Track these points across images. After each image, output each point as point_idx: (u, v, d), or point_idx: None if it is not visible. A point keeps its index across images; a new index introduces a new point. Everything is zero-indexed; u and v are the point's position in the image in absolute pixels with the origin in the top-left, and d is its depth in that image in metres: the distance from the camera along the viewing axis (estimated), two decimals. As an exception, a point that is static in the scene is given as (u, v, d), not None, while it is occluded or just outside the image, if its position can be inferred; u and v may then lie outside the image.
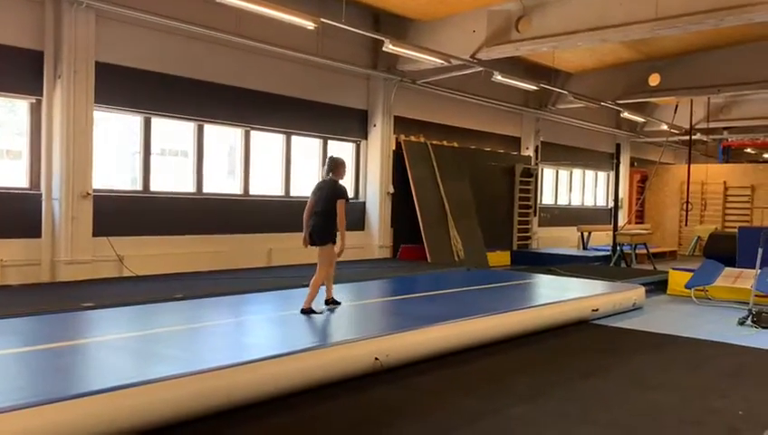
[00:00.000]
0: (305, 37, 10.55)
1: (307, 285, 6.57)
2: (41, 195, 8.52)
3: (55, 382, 4.01)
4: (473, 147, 15.28)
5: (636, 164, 22.35)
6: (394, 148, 13.15)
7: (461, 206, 14.02)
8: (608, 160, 20.03)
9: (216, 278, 9.00)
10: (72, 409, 3.55)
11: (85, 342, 5.22)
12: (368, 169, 12.99)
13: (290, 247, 11.24)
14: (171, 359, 4.62)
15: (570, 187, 20.03)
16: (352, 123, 12.71)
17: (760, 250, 8.66)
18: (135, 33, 9.23)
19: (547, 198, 18.83)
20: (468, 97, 14.58)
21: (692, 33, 11.77)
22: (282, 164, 11.69)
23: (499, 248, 15.21)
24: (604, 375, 5.59)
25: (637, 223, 20.17)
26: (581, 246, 17.49)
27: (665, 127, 19.07)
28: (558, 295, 8.35)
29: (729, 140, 22.64)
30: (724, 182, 20.15)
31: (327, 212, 6.37)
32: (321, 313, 6.45)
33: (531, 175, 16.82)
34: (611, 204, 17.21)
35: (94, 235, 8.78)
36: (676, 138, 20.72)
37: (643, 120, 19.25)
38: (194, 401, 4.04)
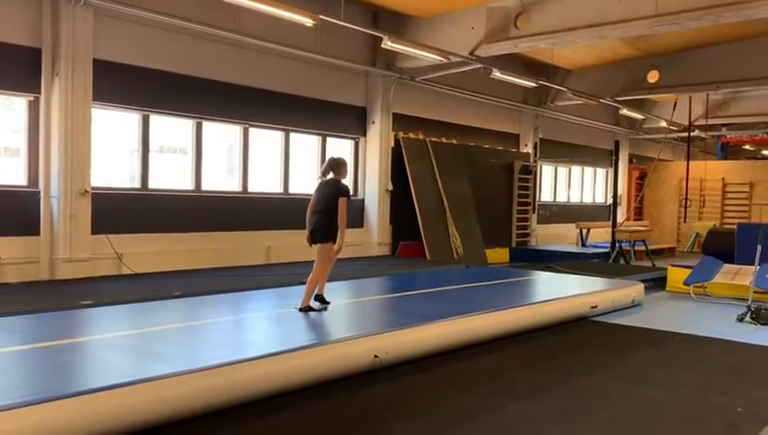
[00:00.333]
0: (304, 34, 10.53)
1: (305, 283, 6.55)
2: (39, 192, 8.50)
3: (54, 381, 4.01)
4: (472, 144, 15.28)
5: (634, 161, 22.35)
6: (393, 145, 13.14)
7: (460, 203, 14.01)
8: (606, 157, 20.04)
9: (215, 276, 9.00)
10: (71, 407, 3.54)
11: (84, 340, 5.21)
12: (366, 167, 12.98)
13: (289, 245, 11.28)
14: (170, 357, 4.62)
15: (568, 184, 20.04)
16: (351, 120, 12.70)
17: (759, 247, 8.66)
18: (133, 31, 9.21)
19: (546, 195, 18.84)
20: (467, 94, 14.56)
21: (691, 29, 11.76)
22: (280, 161, 11.68)
23: (498, 245, 15.21)
24: (603, 372, 5.59)
25: (635, 220, 20.19)
26: (580, 243, 17.50)
27: (663, 124, 19.07)
28: (557, 292, 8.35)
29: (728, 136, 22.65)
30: (723, 179, 20.16)
31: (328, 211, 6.38)
32: (318, 310, 6.45)
33: (529, 172, 16.81)
34: (610, 201, 17.24)
35: (93, 232, 8.77)
36: (674, 135, 20.71)
37: (642, 116, 19.24)
38: (193, 399, 4.04)
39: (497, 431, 4.10)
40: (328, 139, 12.41)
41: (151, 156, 9.80)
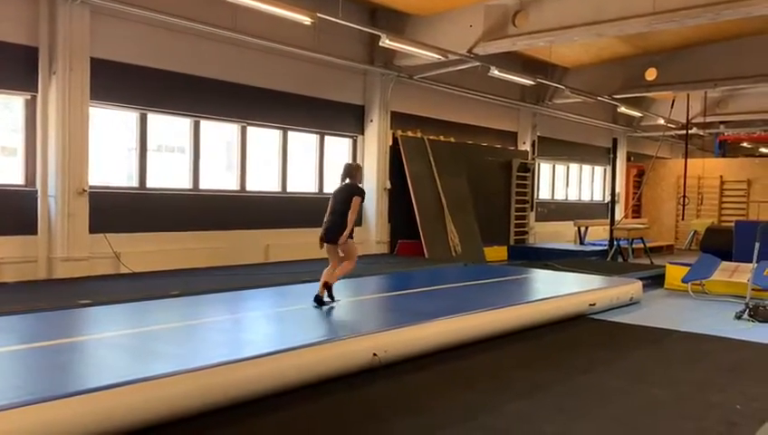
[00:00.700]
0: (302, 33, 10.51)
1: (304, 281, 6.57)
2: (36, 192, 8.48)
3: (52, 380, 4.00)
4: (470, 142, 15.27)
5: (632, 159, 22.36)
6: (391, 143, 13.13)
7: (458, 201, 14.01)
8: (604, 155, 20.05)
9: (213, 275, 8.99)
10: (69, 407, 3.53)
11: (82, 339, 5.20)
12: (365, 165, 12.93)
13: (287, 243, 11.28)
14: (168, 356, 4.61)
15: (566, 181, 20.05)
16: (349, 119, 12.68)
17: (756, 244, 8.66)
18: (130, 29, 9.18)
19: (544, 193, 18.84)
20: (465, 92, 14.55)
21: (689, 27, 11.74)
22: (278, 160, 11.66)
23: (496, 243, 15.20)
24: (602, 370, 5.59)
25: (633, 217, 20.20)
26: (578, 241, 17.51)
27: (661, 121, 19.08)
28: (555, 290, 8.35)
29: (726, 134, 22.66)
30: (721, 176, 20.17)
31: (343, 212, 6.62)
32: (330, 303, 6.59)
33: (528, 170, 16.82)
34: (608, 199, 17.23)
35: (91, 232, 8.76)
36: (672, 132, 20.74)
37: (640, 114, 19.25)
38: (191, 399, 4.03)
39: (496, 430, 4.10)
40: (326, 137, 12.40)
41: (149, 155, 9.78)
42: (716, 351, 6.48)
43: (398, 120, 13.37)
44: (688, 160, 17.47)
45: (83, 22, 8.51)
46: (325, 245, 6.73)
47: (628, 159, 22.09)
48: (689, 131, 17.95)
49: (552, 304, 7.56)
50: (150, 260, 9.36)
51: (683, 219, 18.99)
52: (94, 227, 8.80)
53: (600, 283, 9.18)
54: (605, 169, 21.06)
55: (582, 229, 17.52)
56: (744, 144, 25.10)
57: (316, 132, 12.20)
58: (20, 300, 6.66)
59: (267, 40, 10.29)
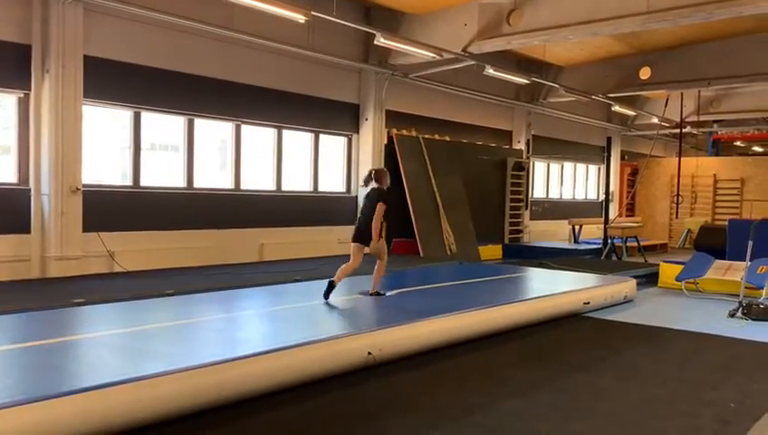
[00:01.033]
0: (296, 31, 10.49)
1: (299, 280, 6.58)
2: (30, 190, 8.45)
3: (45, 380, 3.98)
4: (464, 141, 15.28)
5: (626, 157, 22.42)
6: (386, 142, 13.13)
7: (453, 200, 14.01)
8: (599, 154, 20.09)
9: (208, 273, 8.97)
10: (63, 406, 3.52)
11: (75, 338, 5.18)
12: (359, 164, 12.96)
13: (282, 242, 11.27)
14: (162, 355, 4.59)
15: (561, 180, 20.08)
16: (344, 117, 12.67)
17: (750, 242, 8.70)
18: (124, 27, 9.15)
19: (538, 192, 18.88)
20: (460, 91, 14.56)
21: (682, 26, 11.80)
22: (273, 158, 11.64)
23: (491, 242, 15.22)
24: (596, 368, 5.61)
25: (627, 216, 20.25)
26: (572, 240, 17.55)
27: (655, 120, 19.13)
28: (550, 289, 8.37)
29: (719, 133, 22.75)
30: (714, 175, 20.25)
31: (370, 217, 7.06)
32: (325, 297, 6.90)
33: (522, 168, 16.83)
34: (602, 197, 17.26)
35: (84, 230, 8.72)
36: (666, 131, 20.80)
37: (634, 113, 19.30)
38: (185, 398, 4.02)
39: (490, 428, 4.11)
40: (321, 136, 12.39)
41: (143, 153, 9.75)
42: (710, 349, 6.51)
43: (393, 118, 13.37)
44: (682, 159, 17.51)
45: (76, 19, 8.47)
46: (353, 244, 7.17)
47: (623, 158, 22.15)
48: (683, 130, 18.01)
49: (546, 303, 7.57)
50: (144, 259, 9.33)
51: (677, 218, 19.04)
52: (88, 226, 8.77)
53: (594, 281, 9.20)
54: (599, 168, 21.10)
55: (576, 228, 17.56)
56: (738, 143, 25.21)
57: (311, 131, 12.18)
58: (13, 299, 6.63)
59: (261, 38, 10.27)
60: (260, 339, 5.45)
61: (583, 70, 16.32)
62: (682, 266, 10.29)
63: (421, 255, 12.69)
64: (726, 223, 11.87)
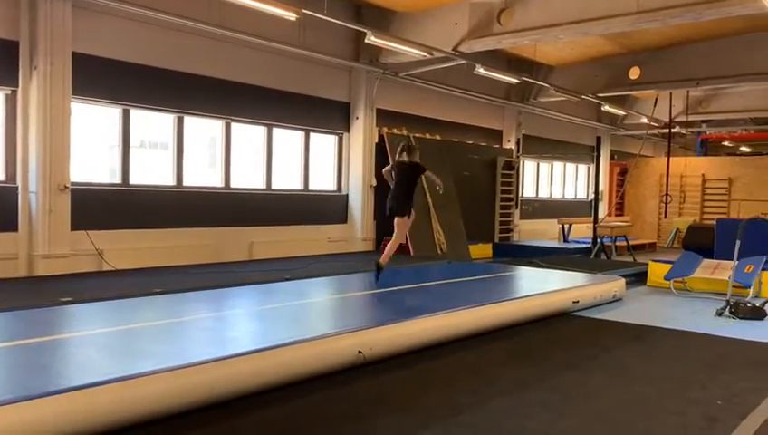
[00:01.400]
0: (287, 28, 10.46)
1: (289, 279, 6.56)
2: (17, 188, 8.37)
3: (33, 379, 3.95)
4: (455, 140, 15.29)
5: (616, 157, 22.54)
6: (377, 140, 13.11)
7: (443, 199, 13.99)
8: (588, 153, 20.17)
9: (197, 272, 8.93)
10: (50, 405, 3.49)
11: (63, 337, 5.14)
12: (350, 162, 12.95)
13: (272, 241, 11.24)
14: (151, 354, 4.56)
15: (551, 179, 20.15)
16: (335, 115, 12.65)
17: (737, 242, 8.77)
18: (113, 24, 9.09)
19: (528, 191, 18.93)
20: (451, 90, 14.57)
21: (672, 26, 11.86)
22: (263, 157, 11.61)
23: (481, 241, 15.25)
24: (585, 367, 5.63)
25: (617, 215, 20.36)
26: (562, 239, 17.61)
27: (645, 120, 19.24)
28: (539, 288, 8.40)
29: (707, 133, 22.91)
30: (703, 175, 20.39)
31: (406, 189, 7.85)
32: (377, 275, 7.74)
33: (512, 168, 16.87)
34: (592, 196, 17.35)
35: (72, 228, 8.65)
36: (655, 131, 20.92)
37: (623, 113, 19.40)
38: (175, 397, 4.00)
39: (479, 427, 4.11)
40: (311, 134, 12.36)
41: (132, 151, 9.68)
42: (698, 347, 6.56)
43: (384, 117, 13.36)
44: (671, 159, 17.64)
45: (65, 16, 8.40)
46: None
47: (612, 158, 22.26)
48: (672, 130, 18.12)
49: (536, 302, 7.59)
50: (133, 257, 9.27)
51: (665, 217, 19.17)
52: (76, 224, 8.70)
53: (583, 280, 9.23)
54: (589, 168, 21.19)
55: (566, 227, 17.63)
56: (726, 143, 25.41)
57: (301, 129, 12.15)
58: (0, 298, 6.57)
59: (252, 36, 10.23)
60: (249, 338, 5.43)
61: (573, 69, 16.38)
62: (670, 265, 10.35)
63: (411, 253, 12.68)
64: (714, 222, 11.95)
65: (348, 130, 12.91)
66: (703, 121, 21.57)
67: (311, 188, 12.46)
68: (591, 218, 15.70)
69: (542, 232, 18.48)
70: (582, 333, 7.11)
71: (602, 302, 8.70)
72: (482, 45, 11.50)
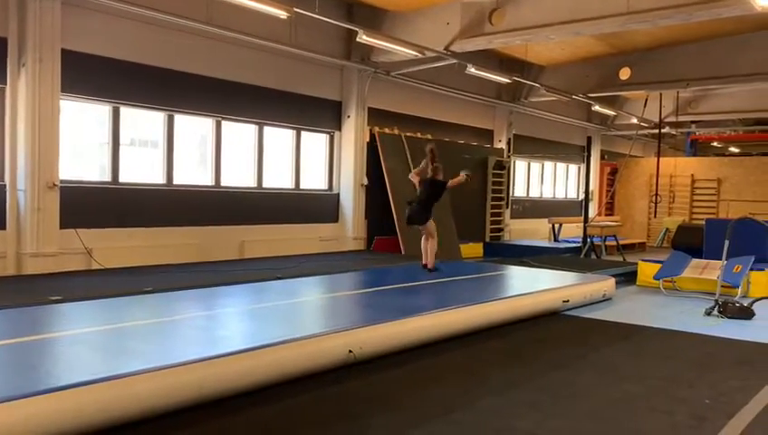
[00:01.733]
0: (278, 27, 10.43)
1: (281, 278, 6.56)
2: (5, 186, 8.31)
3: (22, 378, 3.92)
4: (446, 139, 15.30)
5: (606, 157, 22.63)
6: (368, 139, 13.10)
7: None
8: (579, 153, 20.26)
9: (187, 271, 8.89)
10: (39, 405, 3.47)
11: (52, 336, 5.10)
12: (342, 161, 12.93)
13: (262, 239, 11.21)
14: (140, 353, 4.54)
15: (541, 179, 20.21)
16: (326, 114, 12.63)
17: (726, 242, 8.83)
18: (102, 21, 9.03)
19: (519, 191, 18.98)
20: (442, 89, 14.58)
21: (662, 27, 11.93)
22: (254, 155, 11.57)
23: (472, 240, 15.28)
24: (575, 366, 5.65)
25: (607, 215, 20.46)
26: (553, 238, 17.68)
27: (635, 120, 19.33)
28: (530, 287, 8.43)
29: (697, 133, 23.05)
30: (692, 175, 20.53)
31: (426, 204, 9.23)
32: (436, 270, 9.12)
33: (503, 167, 16.91)
34: (582, 196, 17.41)
35: (61, 227, 8.59)
36: (645, 131, 21.03)
37: (613, 113, 19.48)
38: (164, 396, 3.98)
39: (470, 425, 4.12)
40: (303, 133, 12.34)
41: (122, 149, 9.63)
42: (687, 346, 6.60)
43: (376, 116, 13.36)
44: (661, 159, 17.74)
45: (54, 12, 8.33)
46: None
47: (602, 158, 22.35)
48: (662, 130, 18.22)
49: (526, 301, 7.62)
50: (123, 256, 9.22)
51: (655, 217, 19.29)
52: (65, 223, 8.64)
53: (573, 280, 9.27)
54: (579, 167, 21.27)
55: (557, 226, 17.70)
56: (715, 144, 25.57)
57: (293, 128, 12.13)
58: (-12, 296, 6.53)
59: (243, 34, 10.18)
60: (240, 337, 5.41)
61: (564, 69, 16.44)
62: (660, 265, 10.41)
63: (403, 253, 12.70)
64: (703, 222, 12.03)
65: (339, 129, 12.89)
66: (692, 122, 21.70)
67: (302, 186, 12.43)
68: (582, 218, 15.77)
69: (533, 231, 18.54)
70: (572, 333, 7.14)
71: (592, 301, 8.74)
72: (473, 45, 11.52)
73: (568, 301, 8.18)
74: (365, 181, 12.99)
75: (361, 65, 12.53)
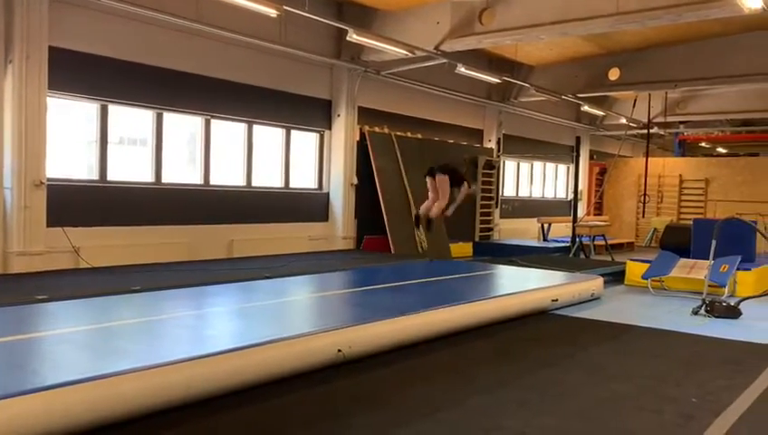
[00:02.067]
0: (268, 25, 10.40)
1: (269, 277, 6.53)
2: (-9, 183, 8.23)
3: (8, 378, 3.88)
4: (436, 138, 15.32)
5: (595, 157, 22.74)
6: (358, 138, 13.09)
7: (424, 197, 14.01)
8: (568, 153, 20.34)
9: (176, 270, 8.84)
10: (26, 405, 3.44)
11: (39, 335, 5.07)
12: (331, 160, 12.91)
13: (252, 238, 11.17)
14: (128, 352, 4.51)
15: (531, 179, 20.28)
16: (316, 113, 12.60)
17: (713, 242, 8.89)
18: (91, 18, 8.96)
19: (508, 190, 19.03)
20: (432, 89, 14.59)
21: (651, 28, 12.00)
22: (243, 154, 11.53)
23: (462, 240, 15.30)
24: (563, 365, 5.68)
25: (595, 215, 20.56)
26: (542, 238, 17.74)
27: (623, 121, 19.44)
28: (519, 286, 8.45)
29: (685, 134, 23.21)
30: (680, 175, 20.67)
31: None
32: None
33: (493, 167, 16.95)
34: (571, 196, 17.49)
35: (48, 225, 8.52)
36: (634, 131, 21.15)
37: (603, 113, 19.57)
38: (152, 396, 3.96)
39: (457, 425, 4.12)
40: (292, 131, 12.31)
41: (110, 147, 9.56)
42: (674, 345, 6.64)
43: (366, 115, 13.35)
44: (649, 159, 17.86)
45: (41, 9, 8.26)
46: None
47: (591, 158, 22.46)
48: (650, 131, 18.33)
49: (515, 300, 7.64)
50: (111, 255, 9.16)
51: (643, 217, 19.42)
52: (52, 221, 8.57)
53: (562, 279, 9.31)
54: (568, 167, 21.35)
55: (546, 226, 17.76)
56: (703, 144, 25.75)
57: (282, 126, 12.09)
58: (-27, 295, 6.46)
59: (232, 31, 10.14)
60: (228, 336, 5.39)
61: (553, 70, 16.49)
62: (648, 265, 10.48)
63: (392, 252, 12.71)
64: (691, 222, 12.11)
65: (329, 128, 12.87)
66: (681, 123, 21.84)
67: (291, 185, 12.40)
68: (571, 218, 15.83)
69: (523, 231, 18.60)
70: (560, 332, 7.17)
71: (581, 300, 8.78)
72: (463, 45, 11.53)
73: (557, 300, 8.21)
74: (355, 180, 12.98)
75: (351, 64, 12.51)
